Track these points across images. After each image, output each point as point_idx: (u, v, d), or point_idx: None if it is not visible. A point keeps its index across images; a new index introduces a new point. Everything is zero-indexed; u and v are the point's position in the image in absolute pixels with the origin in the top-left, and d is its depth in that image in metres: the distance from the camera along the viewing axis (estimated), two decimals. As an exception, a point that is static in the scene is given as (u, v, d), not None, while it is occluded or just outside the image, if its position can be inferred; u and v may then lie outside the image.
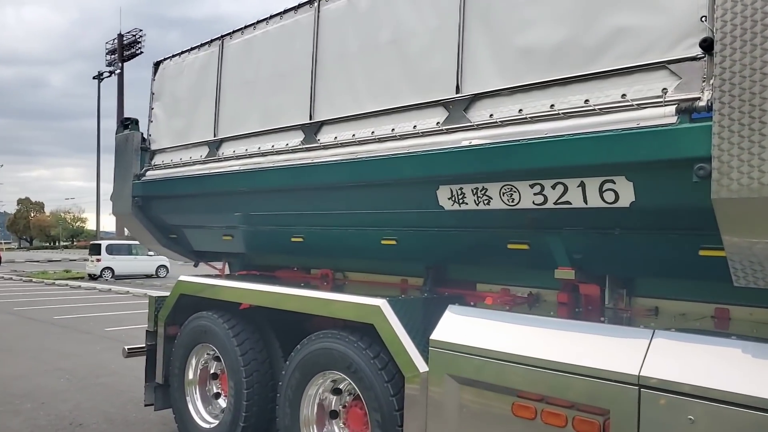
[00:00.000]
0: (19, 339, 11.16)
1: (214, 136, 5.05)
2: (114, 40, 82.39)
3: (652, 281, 3.13)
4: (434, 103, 3.39)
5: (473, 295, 4.07)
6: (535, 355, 2.76)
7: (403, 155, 3.44)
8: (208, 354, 5.08)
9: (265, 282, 4.68)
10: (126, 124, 6.10)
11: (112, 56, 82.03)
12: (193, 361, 5.07)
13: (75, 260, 47.07)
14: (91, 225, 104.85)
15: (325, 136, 4.08)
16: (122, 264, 29.67)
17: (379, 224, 3.99)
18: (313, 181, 4.09)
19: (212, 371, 5.13)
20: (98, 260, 29.17)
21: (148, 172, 5.81)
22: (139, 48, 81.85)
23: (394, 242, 4.00)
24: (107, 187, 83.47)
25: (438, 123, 3.36)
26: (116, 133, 6.19)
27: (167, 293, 5.68)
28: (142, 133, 5.93)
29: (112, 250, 29.94)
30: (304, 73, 4.25)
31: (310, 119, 4.18)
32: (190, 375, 5.09)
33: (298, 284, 4.68)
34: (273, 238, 4.95)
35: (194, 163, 5.23)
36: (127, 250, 30.70)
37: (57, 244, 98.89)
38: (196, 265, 6.68)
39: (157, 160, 5.77)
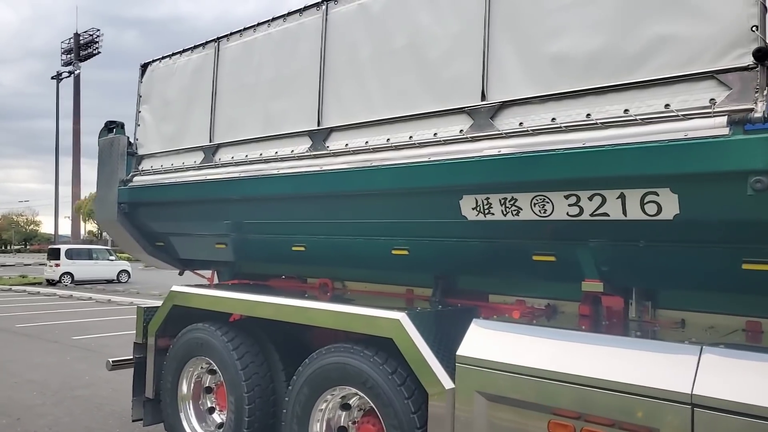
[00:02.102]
0: (-19, 350, 10.59)
1: (210, 141, 4.84)
2: (70, 39, 79.99)
3: (681, 293, 3.10)
4: (457, 110, 3.30)
5: (487, 306, 4.00)
6: (573, 371, 2.69)
7: (425, 163, 3.34)
8: (202, 368, 4.87)
9: (266, 293, 4.51)
10: (111, 127, 5.83)
11: (68, 56, 79.68)
12: (187, 375, 4.85)
13: (30, 264, 45.27)
14: (44, 228, 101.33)
15: (335, 143, 3.94)
16: (82, 269, 28.72)
17: (390, 234, 3.88)
18: (321, 189, 3.94)
19: (206, 385, 4.92)
20: (57, 265, 28.14)
21: (136, 178, 5.55)
22: (97, 48, 79.74)
23: (405, 252, 3.89)
24: (65, 190, 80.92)
25: (461, 131, 3.27)
26: (99, 137, 5.90)
27: (156, 303, 5.45)
28: (128, 137, 5.66)
29: (71, 254, 28.93)
30: (310, 77, 4.10)
31: (318, 125, 4.03)
32: (184, 389, 4.86)
33: (300, 295, 4.53)
34: (271, 247, 4.77)
35: (188, 168, 5.01)
36: (88, 255, 29.75)
37: (9, 248, 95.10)
38: (181, 274, 6.42)
39: (146, 165, 5.51)
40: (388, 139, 3.63)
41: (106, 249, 32.08)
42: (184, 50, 5.20)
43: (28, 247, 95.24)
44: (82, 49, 78.75)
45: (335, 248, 4.32)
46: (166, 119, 5.33)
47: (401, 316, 3.39)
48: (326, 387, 3.75)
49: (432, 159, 3.33)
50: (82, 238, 74.43)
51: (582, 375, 2.65)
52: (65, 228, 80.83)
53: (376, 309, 3.57)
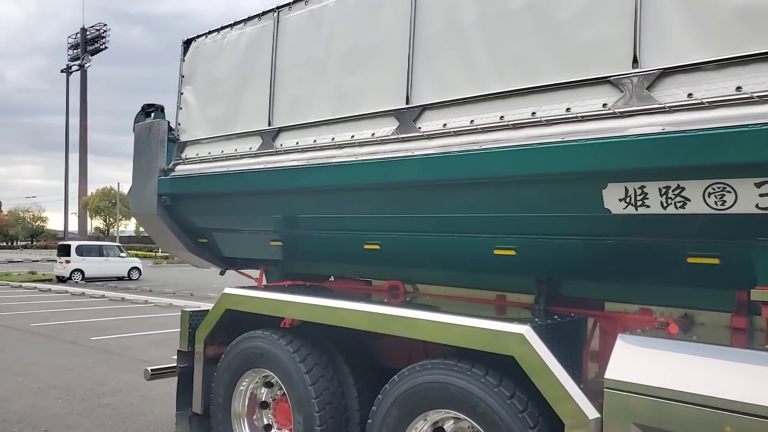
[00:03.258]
0: (-3, 351, 10.08)
1: (269, 125, 4.28)
2: (76, 34, 79.87)
3: None
4: (599, 80, 2.73)
5: (604, 316, 3.45)
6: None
7: (557, 145, 2.77)
8: (257, 380, 4.32)
9: (335, 297, 3.95)
10: (149, 111, 5.28)
11: (75, 51, 79.37)
12: (242, 389, 4.30)
13: (37, 261, 44.87)
14: (51, 225, 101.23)
15: (429, 123, 3.38)
16: (93, 266, 28.24)
17: (495, 230, 3.31)
18: (411, 178, 3.38)
19: (262, 399, 4.38)
20: (67, 262, 27.65)
21: (178, 167, 5.00)
22: (104, 43, 79.41)
23: (511, 252, 3.33)
24: (72, 186, 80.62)
25: (605, 105, 2.70)
26: (135, 122, 5.35)
27: (202, 306, 4.91)
28: (168, 122, 5.11)
29: (82, 251, 28.47)
30: (396, 48, 3.54)
31: (407, 103, 3.47)
32: (239, 405, 4.32)
33: (376, 300, 3.98)
34: (339, 245, 4.21)
35: (241, 156, 4.45)
36: (98, 252, 29.32)
37: (15, 243, 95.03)
38: (222, 274, 5.89)
39: (190, 152, 4.96)
40: (502, 117, 3.06)
41: (117, 245, 31.66)
42: (236, 23, 4.65)
43: (34, 243, 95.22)
44: (89, 44, 78.46)
45: (419, 247, 3.76)
46: (214, 101, 4.77)
47: (525, 330, 2.83)
48: (422, 410, 3.19)
49: (565, 139, 2.77)
50: (88, 234, 74.16)
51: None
52: (72, 224, 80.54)
53: (489, 321, 3.01)
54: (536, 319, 3.05)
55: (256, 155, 4.34)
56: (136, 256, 34.17)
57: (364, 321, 3.49)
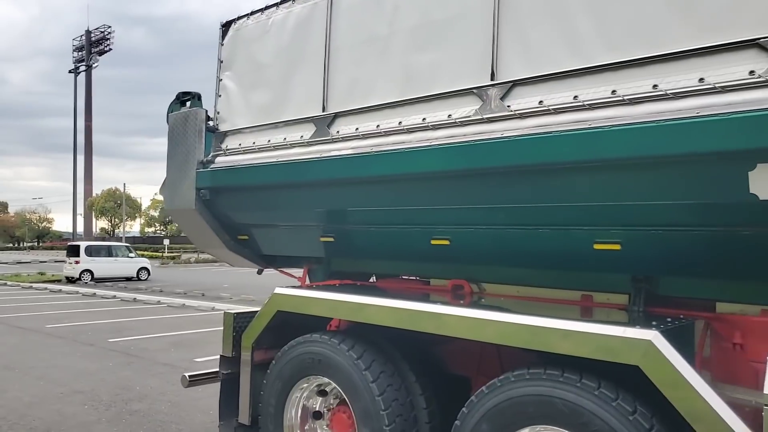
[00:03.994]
0: (16, 353, 9.75)
1: (324, 111, 3.91)
2: (81, 36, 79.95)
3: None
4: (745, 43, 2.34)
5: (718, 319, 3.07)
6: None
7: (694, 120, 2.38)
8: (311, 389, 3.95)
9: (399, 297, 3.57)
10: (184, 99, 4.92)
11: (80, 53, 79.17)
12: (296, 399, 3.93)
13: (45, 262, 44.70)
14: (57, 226, 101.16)
15: (520, 101, 3.00)
16: (102, 266, 28.01)
17: (598, 222, 2.93)
18: (502, 163, 2.99)
19: (315, 409, 4.00)
20: (77, 262, 27.39)
21: (218, 159, 4.63)
22: (108, 45, 79.21)
23: (615, 247, 2.94)
24: (70, 187, 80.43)
25: (752, 72, 2.31)
26: (169, 111, 4.99)
27: (248, 308, 4.55)
28: (206, 111, 4.74)
29: (91, 251, 28.23)
30: (477, 19, 3.16)
31: (493, 79, 3.09)
32: (292, 416, 3.95)
33: (440, 300, 3.61)
34: (402, 240, 3.83)
35: (292, 145, 4.08)
36: (107, 252, 29.08)
37: (21, 245, 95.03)
38: (260, 273, 5.51)
39: (231, 143, 4.59)
40: (614, 91, 2.67)
41: (126, 246, 31.37)
42: (282, 1, 4.27)
43: (40, 244, 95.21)
44: (93, 46, 78.28)
45: (497, 242, 3.38)
46: (259, 87, 4.40)
47: (653, 336, 2.44)
48: (519, 425, 2.81)
49: (701, 114, 2.38)
50: (93, 235, 73.98)
51: None
52: (77, 225, 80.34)
53: (605, 325, 2.62)
54: (660, 324, 2.66)
55: (309, 144, 3.97)
56: (142, 256, 33.85)
57: (453, 325, 3.10)
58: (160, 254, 46.24)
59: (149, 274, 29.23)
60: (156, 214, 73.81)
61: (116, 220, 76.17)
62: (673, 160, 2.50)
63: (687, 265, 2.93)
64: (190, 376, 4.68)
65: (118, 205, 70.17)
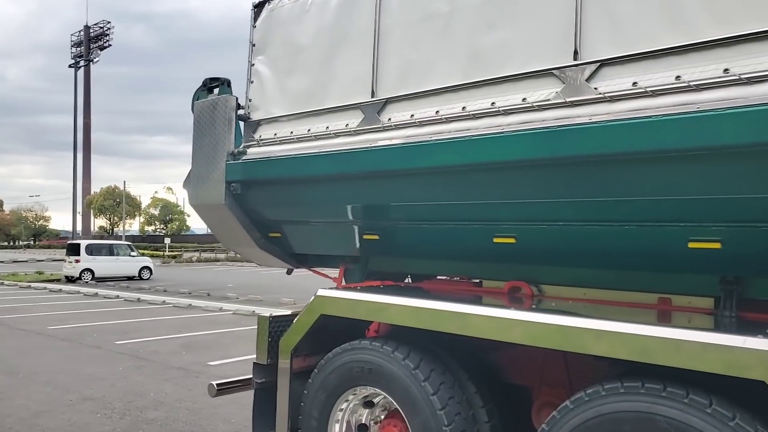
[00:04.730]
0: (19, 357, 9.41)
1: (373, 97, 3.59)
2: (80, 32, 79.47)
3: None
4: None
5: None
6: None
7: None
8: (358, 400, 3.64)
9: (463, 302, 3.27)
10: (212, 86, 4.59)
11: (78, 48, 78.53)
12: (342, 410, 3.62)
13: (42, 260, 44.30)
14: (53, 224, 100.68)
15: (608, 82, 2.69)
16: (103, 265, 27.66)
17: (697, 218, 2.62)
18: (589, 151, 2.68)
19: (361, 422, 3.70)
20: (77, 261, 27.04)
21: (251, 150, 4.31)
22: (108, 41, 78.62)
23: (715, 245, 2.63)
24: (67, 185, 79.88)
25: None
26: (195, 99, 4.66)
27: (285, 311, 4.24)
28: (236, 98, 4.42)
29: (92, 250, 27.90)
30: (555, -9, 2.85)
31: (576, 59, 2.78)
32: (336, 430, 3.63)
33: (502, 303, 3.31)
34: (460, 238, 3.52)
35: (336, 134, 3.77)
36: (108, 251, 28.73)
37: (17, 243, 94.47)
38: (289, 273, 5.20)
39: (265, 132, 4.27)
40: (726, 70, 2.37)
41: (127, 244, 31.00)
42: (324, -21, 3.95)
43: (36, 242, 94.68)
44: (92, 41, 77.68)
45: (575, 240, 3.07)
46: (296, 72, 4.08)
47: (780, 345, 2.14)
48: (612, 447, 2.50)
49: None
50: (92, 233, 73.46)
51: None
52: (76, 223, 79.76)
53: (717, 334, 2.32)
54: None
55: (356, 132, 3.65)
56: (143, 255, 33.48)
57: (478, 326, 2.80)
58: (161, 253, 45.84)
59: (151, 273, 28.90)
60: (156, 212, 73.40)
61: (115, 218, 75.71)
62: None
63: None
64: (218, 385, 4.36)
65: (117, 203, 69.73)
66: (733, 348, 2.23)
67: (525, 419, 3.46)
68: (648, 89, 2.54)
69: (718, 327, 2.76)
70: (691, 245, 2.70)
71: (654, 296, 3.24)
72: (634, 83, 2.60)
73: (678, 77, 2.48)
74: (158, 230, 74.86)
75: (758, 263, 2.68)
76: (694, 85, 2.43)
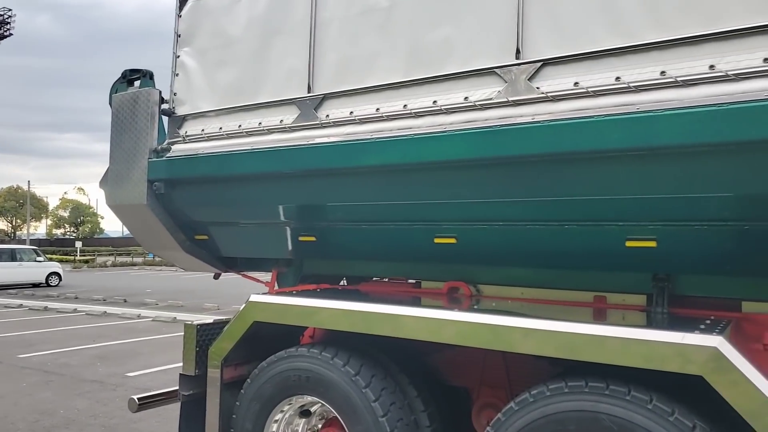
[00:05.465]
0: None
1: (309, 92, 3.45)
2: (-24, 19, 73.56)
3: None
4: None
5: (746, 319, 2.90)
6: None
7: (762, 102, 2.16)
8: (294, 410, 3.48)
9: (398, 303, 3.19)
10: (132, 77, 4.27)
11: (-28, 37, 72.48)
12: (278, 421, 3.44)
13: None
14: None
15: (551, 82, 2.69)
16: (4, 272, 25.47)
17: (634, 217, 2.68)
18: (532, 151, 2.67)
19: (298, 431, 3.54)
20: (-26, 268, 24.80)
21: (176, 146, 4.04)
22: (8, 29, 73.09)
23: (651, 243, 2.70)
24: (-30, 185, 73.87)
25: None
26: (113, 92, 4.32)
27: (211, 318, 4.00)
28: (160, 91, 4.13)
29: (-9, 255, 25.64)
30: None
31: (518, 58, 2.77)
32: (272, 441, 3.45)
33: (449, 304, 3.26)
34: (400, 239, 3.44)
35: (270, 131, 3.59)
36: (10, 256, 26.50)
37: None
38: (216, 277, 4.93)
39: (192, 128, 4.02)
40: (663, 72, 2.42)
41: (33, 249, 28.79)
42: (255, -33, 3.76)
43: None
44: (-8, 30, 71.94)
45: (514, 240, 3.06)
46: (227, 65, 3.86)
47: (719, 342, 2.20)
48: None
49: (772, 97, 2.16)
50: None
51: None
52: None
53: (656, 331, 2.37)
54: (701, 327, 2.43)
55: (291, 129, 3.49)
56: (51, 260, 31.25)
57: (412, 327, 2.76)
58: (72, 258, 42.98)
59: (61, 279, 26.97)
60: (66, 214, 68.93)
61: (18, 221, 70.42)
62: (734, 147, 2.27)
63: (715, 261, 2.74)
64: (139, 399, 4.04)
65: (21, 204, 64.88)
66: (671, 344, 2.28)
67: (466, 422, 3.43)
68: (589, 89, 2.57)
69: (650, 323, 2.83)
70: (628, 244, 2.75)
71: (590, 294, 3.30)
72: (576, 83, 2.62)
73: (618, 78, 2.52)
74: (68, 233, 70.24)
75: (689, 260, 2.78)
76: (634, 86, 2.47)
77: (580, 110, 2.57)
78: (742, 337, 2.93)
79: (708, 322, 2.63)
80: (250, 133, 3.68)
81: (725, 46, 2.31)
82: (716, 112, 2.26)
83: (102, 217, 72.67)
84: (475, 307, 3.21)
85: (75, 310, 16.41)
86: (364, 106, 3.23)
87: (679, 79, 2.38)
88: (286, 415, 3.45)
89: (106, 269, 38.64)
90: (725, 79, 2.29)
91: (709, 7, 2.35)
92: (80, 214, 70.31)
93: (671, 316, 2.90)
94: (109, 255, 46.40)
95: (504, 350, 2.75)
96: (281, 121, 3.55)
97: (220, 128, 3.84)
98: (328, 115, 3.37)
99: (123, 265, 40.85)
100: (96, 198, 77.56)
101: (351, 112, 3.28)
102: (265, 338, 3.62)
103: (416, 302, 3.48)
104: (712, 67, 2.33)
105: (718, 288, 2.93)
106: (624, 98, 2.49)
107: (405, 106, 3.09)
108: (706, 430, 2.25)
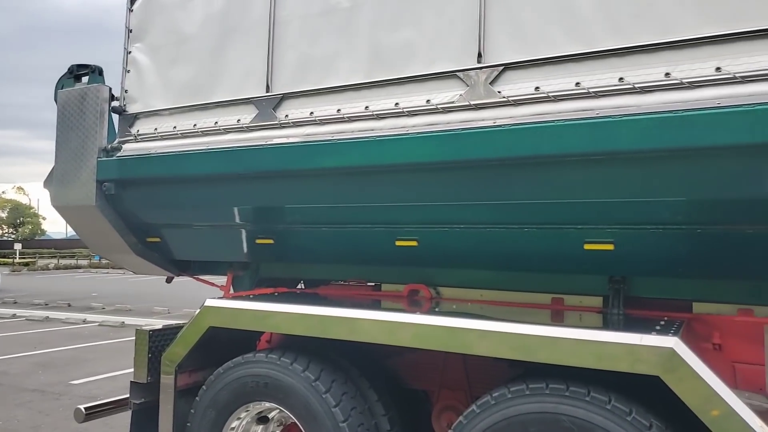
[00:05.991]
0: None
1: (268, 91, 3.37)
2: None
3: None
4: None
5: (697, 319, 3.00)
6: None
7: (716, 110, 2.23)
8: (252, 417, 3.39)
9: (357, 306, 3.16)
10: (79, 73, 4.09)
11: None
12: (233, 430, 3.34)
13: None
14: None
15: (512, 86, 2.72)
16: (-65, 277, 24.09)
17: (591, 220, 2.73)
18: (493, 155, 2.69)
19: (253, 440, 3.45)
20: None
21: (127, 146, 3.88)
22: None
23: (609, 246, 2.76)
24: None
25: (778, 63, 2.21)
26: (59, 87, 4.12)
27: (162, 323, 3.86)
28: (110, 88, 3.97)
29: None
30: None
31: (480, 62, 2.78)
32: (228, 451, 3.35)
33: (408, 307, 3.25)
34: (361, 242, 3.40)
35: (226, 130, 3.49)
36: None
37: None
38: (169, 281, 4.77)
39: (144, 127, 3.87)
40: (621, 78, 2.48)
41: (-32, 251, 27.29)
42: (213, -39, 3.65)
43: None
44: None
45: (474, 243, 3.07)
46: (181, 62, 3.74)
47: (674, 342, 2.26)
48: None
49: (721, 104, 2.24)
50: None
51: None
52: None
53: (613, 332, 2.41)
54: (657, 327, 2.50)
55: (249, 129, 3.41)
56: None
57: (367, 330, 2.76)
58: (11, 260, 40.95)
59: (-2, 283, 25.68)
60: (4, 215, 65.63)
61: (-49, 222, 66.59)
62: (689, 153, 2.34)
63: (669, 264, 2.82)
64: (86, 409, 3.87)
65: (-46, 204, 61.41)
66: (628, 345, 2.33)
67: (426, 425, 3.43)
68: (550, 94, 2.60)
69: (606, 324, 2.89)
70: (586, 247, 2.80)
71: (548, 296, 3.35)
72: (537, 88, 2.65)
73: (578, 83, 2.56)
74: (6, 234, 66.94)
75: (644, 263, 2.85)
76: (593, 91, 2.52)
77: (540, 114, 2.60)
78: (693, 337, 3.03)
79: (662, 323, 2.70)
80: (205, 133, 3.57)
81: (680, 54, 2.38)
82: (671, 118, 2.33)
83: (44, 218, 69.56)
84: (435, 309, 3.21)
85: (14, 316, 15.61)
86: (325, 107, 3.18)
87: (636, 85, 2.44)
88: (243, 422, 3.36)
89: (49, 272, 36.98)
90: (680, 86, 2.35)
91: (664, 15, 2.42)
92: (20, 215, 67.07)
93: (626, 317, 2.98)
94: (52, 257, 44.45)
95: (460, 352, 2.76)
96: (238, 120, 3.46)
97: (175, 127, 3.72)
98: (287, 115, 3.30)
99: (67, 267, 39.19)
100: (37, 198, 74.16)
101: (311, 113, 3.22)
102: (221, 344, 3.52)
103: (374, 305, 3.45)
104: (667, 74, 2.39)
105: (671, 290, 3.02)
106: (583, 103, 2.53)
107: (366, 107, 3.06)
108: (661, 428, 2.30)
